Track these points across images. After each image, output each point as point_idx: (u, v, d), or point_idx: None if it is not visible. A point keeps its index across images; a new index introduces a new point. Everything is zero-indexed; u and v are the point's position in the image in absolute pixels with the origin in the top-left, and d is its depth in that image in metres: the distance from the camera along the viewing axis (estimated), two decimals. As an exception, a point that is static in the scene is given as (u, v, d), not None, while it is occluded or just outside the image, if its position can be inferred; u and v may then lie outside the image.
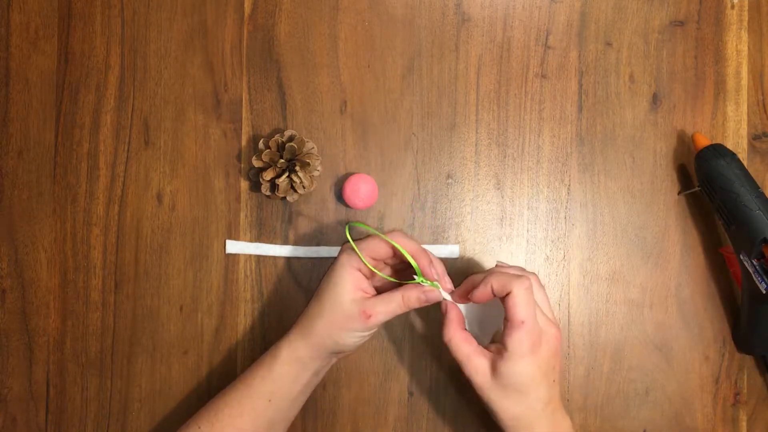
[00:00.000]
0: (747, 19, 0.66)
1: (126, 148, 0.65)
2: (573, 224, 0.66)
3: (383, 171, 0.65)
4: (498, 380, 0.52)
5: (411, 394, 0.65)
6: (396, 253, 0.55)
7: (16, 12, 0.66)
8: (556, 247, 0.65)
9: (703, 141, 0.62)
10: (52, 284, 0.65)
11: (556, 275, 0.65)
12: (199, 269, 0.65)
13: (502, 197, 0.66)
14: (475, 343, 0.54)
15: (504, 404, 0.52)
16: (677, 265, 0.65)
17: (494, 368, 0.52)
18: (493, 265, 0.58)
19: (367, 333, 0.56)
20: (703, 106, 0.66)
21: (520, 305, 0.51)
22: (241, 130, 0.65)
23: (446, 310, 0.55)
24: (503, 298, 0.52)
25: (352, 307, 0.54)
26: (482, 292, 0.53)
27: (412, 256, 0.55)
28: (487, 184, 0.66)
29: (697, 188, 0.63)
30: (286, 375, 0.56)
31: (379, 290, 0.57)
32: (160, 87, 0.66)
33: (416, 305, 0.55)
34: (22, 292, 0.65)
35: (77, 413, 0.65)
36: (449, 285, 0.56)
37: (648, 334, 0.65)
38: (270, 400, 0.56)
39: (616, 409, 0.65)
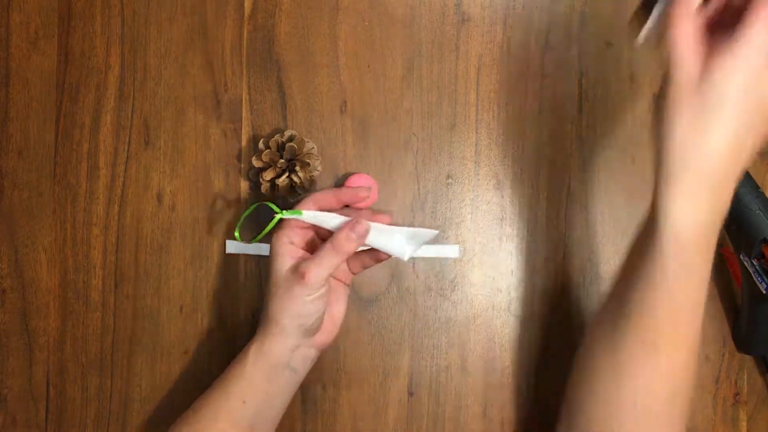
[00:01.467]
0: (747, 19, 0.66)
1: (126, 148, 0.65)
2: (573, 224, 0.66)
3: (383, 171, 0.65)
4: (701, 92, 0.41)
5: (411, 394, 0.65)
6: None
7: (16, 12, 0.66)
8: (556, 247, 0.65)
9: None
10: (52, 284, 0.65)
11: (556, 275, 0.65)
12: (199, 269, 0.65)
13: (502, 197, 0.66)
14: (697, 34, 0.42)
15: (688, 133, 0.42)
16: (677, 265, 0.65)
17: (703, 75, 0.41)
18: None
19: (314, 295, 0.53)
20: (703, 106, 0.66)
21: None
22: (241, 130, 0.65)
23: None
24: None
25: (291, 275, 0.53)
26: None
27: (338, 201, 0.55)
28: (487, 184, 0.66)
29: None
30: (256, 374, 0.55)
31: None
32: (160, 87, 0.66)
33: (350, 247, 0.53)
34: (22, 292, 0.65)
35: (77, 413, 0.65)
36: (385, 218, 0.55)
37: (648, 334, 0.65)
38: (245, 402, 0.55)
39: (616, 409, 0.65)
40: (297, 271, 0.53)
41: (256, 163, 0.61)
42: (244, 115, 0.66)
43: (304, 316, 0.54)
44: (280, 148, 0.61)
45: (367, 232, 0.54)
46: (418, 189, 0.65)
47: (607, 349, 0.49)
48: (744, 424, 0.65)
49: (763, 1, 0.40)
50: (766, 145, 0.45)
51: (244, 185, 0.65)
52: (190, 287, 0.65)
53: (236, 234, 0.58)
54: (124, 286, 0.65)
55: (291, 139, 0.62)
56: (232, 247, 0.65)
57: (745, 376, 0.65)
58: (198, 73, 0.66)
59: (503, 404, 0.65)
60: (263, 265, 0.65)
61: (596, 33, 0.66)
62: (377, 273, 0.65)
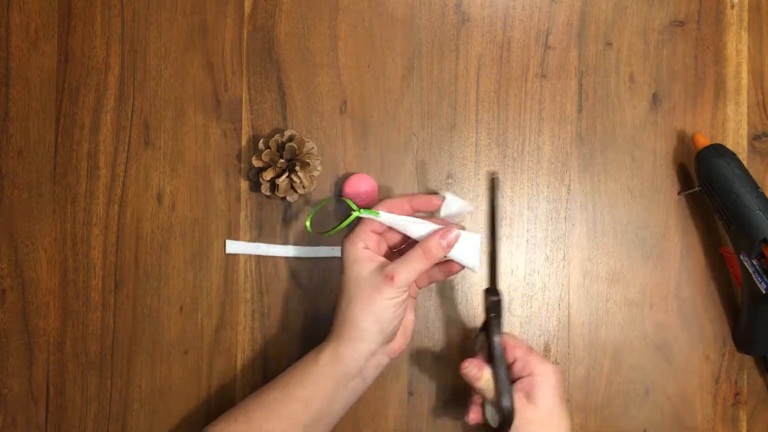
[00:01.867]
0: (747, 19, 0.66)
1: (126, 148, 0.65)
2: (573, 224, 0.66)
3: (383, 171, 0.65)
4: (539, 411, 0.53)
5: (411, 394, 0.65)
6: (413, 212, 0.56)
7: (16, 12, 0.66)
8: (556, 247, 0.65)
9: (703, 141, 0.62)
10: (52, 284, 0.65)
11: (556, 275, 0.65)
12: (199, 269, 0.65)
13: (502, 197, 0.66)
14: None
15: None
16: (677, 265, 0.65)
17: (530, 398, 0.54)
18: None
19: (400, 298, 0.53)
20: (703, 106, 0.66)
21: (518, 342, 0.55)
22: (241, 130, 0.65)
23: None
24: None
25: (374, 278, 0.53)
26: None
27: (409, 212, 0.55)
28: (487, 184, 0.66)
29: (697, 188, 0.63)
30: (324, 380, 0.54)
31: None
32: (160, 87, 0.66)
33: (440, 253, 0.54)
34: (22, 292, 0.65)
35: (77, 413, 0.65)
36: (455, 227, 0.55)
37: (648, 334, 0.65)
38: (306, 405, 0.54)
39: (616, 409, 0.65)
40: (382, 274, 0.53)
41: (256, 163, 0.61)
42: (244, 115, 0.66)
43: (387, 320, 0.54)
44: (280, 148, 0.61)
45: (456, 240, 0.54)
46: (418, 189, 0.65)
47: None
48: (744, 424, 0.65)
49: (527, 352, 0.55)
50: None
51: (244, 185, 0.65)
52: (190, 287, 0.65)
53: (307, 225, 0.57)
54: (124, 286, 0.65)
55: (291, 139, 0.62)
56: (232, 247, 0.65)
57: (745, 376, 0.65)
58: (198, 73, 0.66)
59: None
60: (263, 264, 0.65)
61: (596, 33, 0.66)
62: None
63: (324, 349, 0.55)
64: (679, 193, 0.65)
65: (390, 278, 0.52)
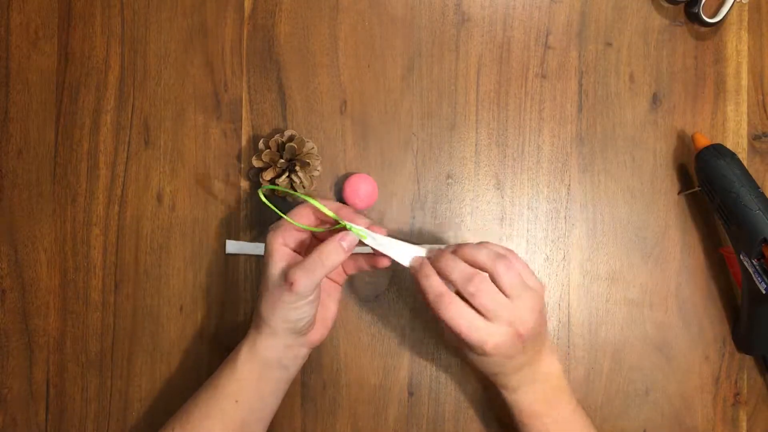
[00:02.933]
0: (747, 19, 0.66)
1: (126, 148, 0.65)
2: (573, 224, 0.66)
3: (383, 171, 0.65)
4: (467, 357, 0.54)
5: (411, 394, 0.65)
6: (323, 222, 0.57)
7: (16, 12, 0.66)
8: (556, 247, 0.65)
9: (703, 141, 0.62)
10: (52, 284, 0.65)
11: (556, 275, 0.65)
12: (199, 269, 0.65)
13: (502, 197, 0.66)
14: (467, 316, 0.52)
15: (474, 365, 0.55)
16: (677, 265, 0.65)
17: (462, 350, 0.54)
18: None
19: (302, 302, 0.53)
20: (703, 106, 0.66)
21: (484, 306, 0.51)
22: (241, 130, 0.65)
23: (424, 284, 0.53)
24: None
25: (280, 281, 0.53)
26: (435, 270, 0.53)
27: (335, 213, 0.55)
28: (487, 184, 0.66)
29: (697, 188, 0.63)
30: (249, 373, 0.56)
31: None
32: (160, 87, 0.66)
33: (336, 257, 0.53)
34: (22, 292, 0.65)
35: (77, 413, 0.65)
36: (381, 230, 0.55)
37: (648, 334, 0.65)
38: (237, 401, 0.55)
39: (616, 409, 0.65)
40: (285, 278, 0.53)
41: (256, 163, 0.61)
42: (244, 115, 0.66)
43: (293, 320, 0.55)
44: (280, 148, 0.61)
45: (354, 244, 0.54)
46: (418, 189, 0.65)
47: None
48: (744, 424, 0.65)
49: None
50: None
51: (244, 185, 0.65)
52: (190, 287, 0.65)
53: (260, 193, 0.58)
54: (124, 286, 0.65)
55: (291, 139, 0.62)
56: (232, 247, 0.65)
57: (745, 376, 0.65)
58: (198, 73, 0.66)
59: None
60: (263, 265, 0.65)
61: (596, 33, 0.66)
62: (377, 273, 0.65)
63: (244, 344, 0.57)
64: (679, 193, 0.65)
65: (290, 284, 0.52)
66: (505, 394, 0.57)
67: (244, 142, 0.65)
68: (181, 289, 0.65)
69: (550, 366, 0.56)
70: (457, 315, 0.51)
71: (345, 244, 0.53)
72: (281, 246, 0.55)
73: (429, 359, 0.65)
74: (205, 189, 0.65)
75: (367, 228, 0.55)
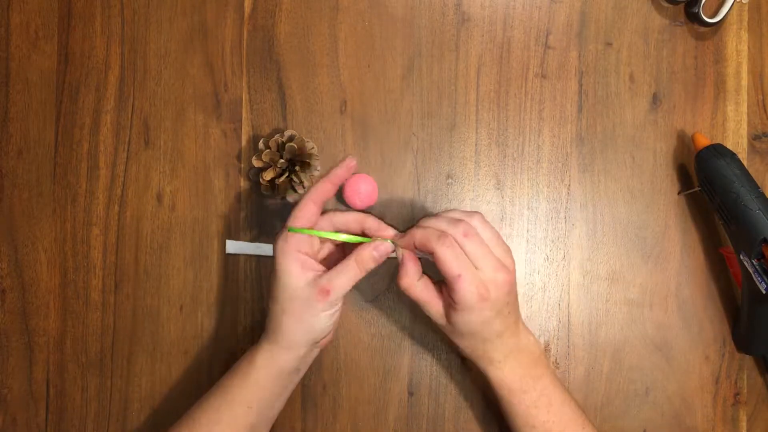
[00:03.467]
0: (747, 19, 0.66)
1: (126, 148, 0.65)
2: (573, 224, 0.66)
3: (383, 171, 0.65)
4: (453, 326, 0.54)
5: (411, 394, 0.65)
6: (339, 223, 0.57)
7: (16, 12, 0.66)
8: (556, 247, 0.65)
9: (703, 141, 0.62)
10: (52, 284, 0.65)
11: (556, 275, 0.65)
12: (199, 269, 0.65)
13: (502, 197, 0.66)
14: (432, 288, 0.55)
15: (462, 342, 0.56)
16: (677, 265, 0.65)
17: (447, 316, 0.54)
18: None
19: (333, 310, 0.54)
20: (703, 106, 0.66)
21: (446, 262, 0.51)
22: (241, 130, 0.65)
23: (403, 259, 0.54)
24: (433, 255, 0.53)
25: (309, 290, 0.53)
26: (407, 246, 0.54)
27: (358, 224, 0.56)
28: (487, 184, 0.66)
29: (697, 188, 0.63)
30: (264, 380, 0.56)
31: (329, 263, 0.56)
32: (160, 87, 0.66)
33: (372, 264, 0.54)
34: (22, 292, 0.65)
35: (77, 413, 0.65)
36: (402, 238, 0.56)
37: (648, 334, 0.65)
38: (250, 407, 0.55)
39: (616, 409, 0.65)
40: (316, 287, 0.53)
41: (256, 163, 0.61)
42: (244, 115, 0.66)
43: (319, 331, 0.55)
44: (280, 148, 0.61)
45: (388, 252, 0.55)
46: (418, 189, 0.65)
47: None
48: (744, 424, 0.65)
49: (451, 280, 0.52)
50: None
51: (244, 185, 0.65)
52: (190, 287, 0.65)
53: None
54: (124, 286, 0.65)
55: (291, 139, 0.62)
56: (232, 247, 0.65)
57: (745, 376, 0.65)
58: (198, 73, 0.66)
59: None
60: (263, 265, 0.65)
61: (596, 33, 0.66)
62: (377, 273, 0.65)
63: (260, 352, 0.56)
64: (679, 193, 0.65)
65: (325, 292, 0.53)
66: (492, 371, 0.56)
67: (244, 142, 0.65)
68: (181, 289, 0.65)
69: (528, 336, 0.57)
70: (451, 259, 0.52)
71: (377, 253, 0.54)
72: (296, 252, 0.54)
73: (429, 359, 0.65)
74: (205, 189, 0.65)
75: (393, 237, 0.56)
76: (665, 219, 0.65)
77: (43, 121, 0.66)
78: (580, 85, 0.66)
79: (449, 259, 0.51)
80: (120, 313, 0.65)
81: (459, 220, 0.53)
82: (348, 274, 0.53)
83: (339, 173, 0.57)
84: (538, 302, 0.65)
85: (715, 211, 0.61)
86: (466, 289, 0.52)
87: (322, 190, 0.56)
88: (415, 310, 0.65)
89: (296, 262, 0.54)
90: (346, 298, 0.64)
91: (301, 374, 0.59)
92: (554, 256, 0.65)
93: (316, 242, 0.57)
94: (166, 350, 0.65)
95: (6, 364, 0.65)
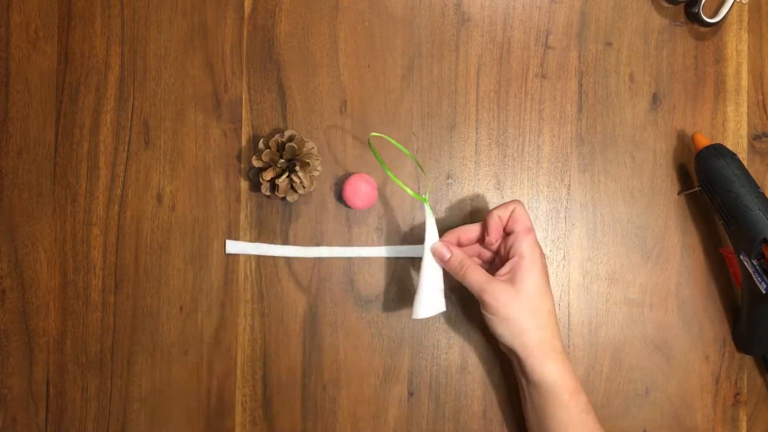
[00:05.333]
0: (747, 19, 0.66)
1: (126, 148, 0.65)
2: (573, 224, 0.66)
3: (383, 171, 0.65)
4: (519, 294, 0.55)
5: (411, 394, 0.65)
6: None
7: (16, 12, 0.66)
8: (556, 247, 0.65)
9: (703, 141, 0.62)
10: (52, 284, 0.65)
11: (556, 275, 0.65)
12: (199, 269, 0.65)
13: (502, 197, 0.66)
14: (484, 271, 0.57)
15: (528, 316, 0.55)
16: (677, 265, 0.65)
17: (513, 282, 0.56)
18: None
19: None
20: (703, 106, 0.66)
21: (524, 216, 0.57)
22: (241, 130, 0.65)
23: (449, 249, 0.58)
24: (506, 230, 0.58)
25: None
26: (494, 225, 0.58)
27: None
28: (487, 184, 0.66)
29: (697, 188, 0.63)
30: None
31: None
32: (160, 87, 0.66)
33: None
34: (22, 292, 0.65)
35: (77, 413, 0.65)
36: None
37: (648, 334, 0.65)
38: None
39: (616, 409, 0.65)
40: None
41: (256, 163, 0.61)
42: (244, 115, 0.66)
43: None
44: (280, 148, 0.61)
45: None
46: (418, 189, 0.65)
47: None
48: (744, 424, 0.65)
49: (524, 232, 0.57)
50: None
51: (244, 185, 0.65)
52: (190, 287, 0.65)
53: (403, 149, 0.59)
54: (124, 286, 0.65)
55: (291, 139, 0.62)
56: (232, 247, 0.65)
57: (745, 376, 0.65)
58: (198, 73, 0.66)
59: (503, 404, 0.65)
60: (263, 264, 0.65)
61: (596, 33, 0.66)
62: (377, 273, 0.65)
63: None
64: (679, 193, 0.65)
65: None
66: (551, 368, 0.56)
67: (244, 142, 0.65)
68: (181, 289, 0.65)
69: (565, 357, 0.58)
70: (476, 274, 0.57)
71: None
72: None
73: (429, 359, 0.65)
74: (205, 189, 0.65)
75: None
76: (665, 219, 0.65)
77: (43, 121, 0.66)
78: (580, 85, 0.66)
79: (526, 214, 0.58)
80: (120, 313, 0.65)
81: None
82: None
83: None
84: (538, 302, 0.65)
85: (715, 211, 0.61)
86: (535, 241, 0.57)
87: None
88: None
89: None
90: (346, 297, 0.65)
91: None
92: (554, 256, 0.65)
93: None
94: (166, 350, 0.65)
95: (6, 364, 0.65)
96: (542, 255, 0.57)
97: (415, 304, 0.58)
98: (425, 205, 0.59)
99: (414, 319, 0.63)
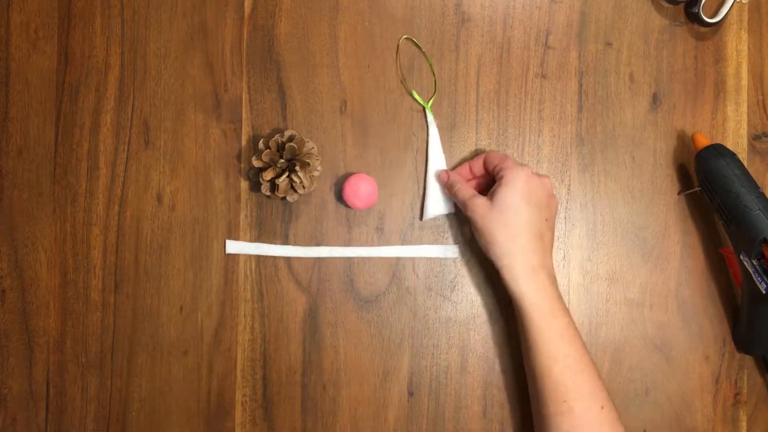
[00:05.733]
0: (747, 19, 0.66)
1: (126, 148, 0.65)
2: (573, 224, 0.66)
3: (383, 171, 0.65)
4: (495, 207, 0.58)
5: (411, 394, 0.65)
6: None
7: (16, 12, 0.66)
8: (556, 247, 0.65)
9: (703, 141, 0.62)
10: (52, 284, 0.65)
11: (556, 275, 0.65)
12: (199, 269, 0.65)
13: (502, 197, 0.66)
14: (471, 187, 0.62)
15: (503, 228, 0.58)
16: (677, 265, 0.65)
17: (492, 197, 0.59)
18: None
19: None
20: (703, 106, 0.66)
21: (496, 155, 0.62)
22: (241, 130, 0.65)
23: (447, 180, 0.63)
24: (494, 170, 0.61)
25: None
26: (466, 171, 0.64)
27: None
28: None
29: (697, 188, 0.63)
30: None
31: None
32: (160, 87, 0.66)
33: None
34: (22, 292, 0.65)
35: (77, 413, 0.65)
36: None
37: (648, 334, 0.65)
38: None
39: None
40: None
41: (256, 163, 0.61)
42: (244, 115, 0.66)
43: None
44: (280, 148, 0.61)
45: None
46: (418, 189, 0.65)
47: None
48: (744, 424, 0.65)
49: (507, 161, 0.60)
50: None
51: (244, 185, 0.65)
52: (190, 287, 0.65)
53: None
54: (124, 286, 0.65)
55: (291, 139, 0.62)
56: (232, 247, 0.65)
57: (745, 376, 0.65)
58: (198, 73, 0.66)
59: (503, 404, 0.65)
60: (263, 264, 0.65)
61: (596, 33, 0.66)
62: (377, 273, 0.65)
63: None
64: (679, 193, 0.65)
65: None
66: (526, 284, 0.57)
67: (244, 142, 0.65)
68: (181, 289, 0.65)
69: (551, 263, 0.60)
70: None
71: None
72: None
73: (429, 359, 0.65)
74: (205, 189, 0.65)
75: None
76: (665, 219, 0.65)
77: (43, 121, 0.66)
78: (580, 85, 0.66)
79: (499, 154, 0.62)
80: (120, 313, 0.65)
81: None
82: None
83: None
84: (538, 302, 0.65)
85: (715, 211, 0.61)
86: (514, 164, 0.60)
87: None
88: (415, 310, 0.65)
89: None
90: (346, 297, 0.65)
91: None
92: (554, 256, 0.65)
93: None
94: (166, 350, 0.65)
95: (6, 364, 0.65)
96: (527, 181, 0.58)
97: (422, 207, 0.65)
98: (427, 111, 0.64)
99: (414, 319, 0.63)
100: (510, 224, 0.58)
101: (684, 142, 0.66)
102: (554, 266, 0.65)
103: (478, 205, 0.59)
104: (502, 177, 0.59)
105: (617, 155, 0.66)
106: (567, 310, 0.58)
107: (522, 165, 0.60)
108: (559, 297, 0.58)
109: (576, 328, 0.58)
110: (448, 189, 0.63)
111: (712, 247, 0.65)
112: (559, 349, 0.56)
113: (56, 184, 0.65)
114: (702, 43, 0.66)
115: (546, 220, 0.59)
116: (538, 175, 0.60)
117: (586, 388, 0.56)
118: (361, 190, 0.63)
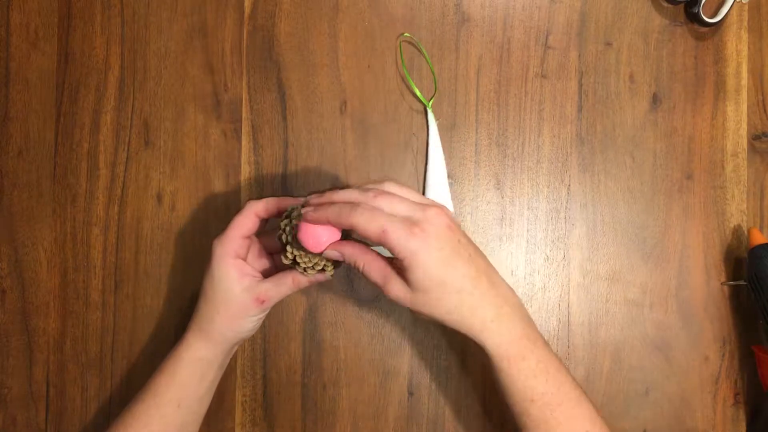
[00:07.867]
0: (747, 19, 0.66)
1: (126, 148, 0.65)
2: (573, 224, 0.66)
3: (383, 171, 0.65)
4: (416, 290, 0.50)
5: (411, 394, 0.65)
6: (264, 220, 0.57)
7: (16, 12, 0.66)
8: (556, 247, 0.65)
9: (759, 238, 0.61)
10: (52, 284, 0.65)
11: (556, 275, 0.65)
12: (199, 269, 0.65)
13: (502, 197, 0.66)
14: (385, 265, 0.51)
15: (438, 306, 0.50)
16: (677, 265, 0.65)
17: (408, 282, 0.50)
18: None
19: (262, 315, 0.58)
20: (703, 106, 0.66)
21: (366, 226, 0.49)
22: (241, 130, 0.65)
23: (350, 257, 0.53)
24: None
25: (245, 296, 0.55)
26: (318, 221, 0.51)
27: (277, 208, 0.57)
28: (487, 184, 0.66)
29: (742, 282, 0.63)
30: (190, 377, 0.57)
31: (260, 265, 0.58)
32: (160, 87, 0.66)
33: (306, 285, 0.56)
34: (22, 292, 0.65)
35: (77, 413, 0.65)
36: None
37: (648, 334, 0.65)
38: (179, 406, 0.57)
39: (616, 409, 0.65)
40: (252, 294, 0.55)
41: (285, 261, 0.55)
42: (244, 115, 0.66)
43: (247, 331, 0.58)
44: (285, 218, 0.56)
45: (321, 280, 0.56)
46: (418, 189, 0.65)
47: None
48: (744, 424, 0.65)
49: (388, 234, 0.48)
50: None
51: (244, 185, 0.65)
52: (190, 287, 0.65)
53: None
54: (124, 286, 0.65)
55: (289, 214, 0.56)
56: (232, 247, 0.64)
57: (745, 376, 0.65)
58: (198, 73, 0.66)
59: (503, 404, 0.65)
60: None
61: (596, 33, 0.66)
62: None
63: (185, 351, 0.57)
64: (722, 283, 0.65)
65: (261, 301, 0.55)
66: (487, 337, 0.51)
67: (244, 142, 0.65)
68: (181, 289, 0.65)
69: (509, 289, 0.53)
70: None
71: (314, 279, 0.56)
72: (234, 259, 0.56)
73: (429, 359, 0.65)
74: (205, 189, 0.65)
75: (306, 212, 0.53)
76: (665, 219, 0.66)
77: (43, 121, 0.66)
78: (580, 85, 0.66)
79: (366, 222, 0.48)
80: (120, 313, 0.65)
81: (368, 189, 0.51)
82: (283, 288, 0.56)
83: (289, 202, 0.57)
84: (538, 302, 0.65)
85: (758, 309, 0.61)
86: (398, 235, 0.48)
87: (263, 208, 0.57)
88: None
89: (234, 268, 0.56)
90: (346, 297, 0.64)
91: (222, 371, 0.60)
92: (554, 256, 0.65)
93: (255, 243, 0.58)
94: (166, 350, 0.65)
95: (6, 364, 0.65)
96: (428, 249, 0.48)
97: None
98: (428, 110, 0.64)
99: (414, 319, 0.63)
100: (443, 298, 0.50)
101: (684, 141, 0.66)
102: (553, 266, 0.65)
103: (399, 297, 0.51)
104: (401, 261, 0.49)
105: (617, 155, 0.66)
106: (536, 339, 0.52)
107: (403, 226, 0.48)
108: (524, 329, 0.52)
109: (550, 355, 0.53)
110: (352, 265, 0.52)
111: (712, 248, 0.65)
112: (534, 390, 0.52)
113: (56, 184, 0.65)
114: (702, 43, 0.66)
115: (469, 255, 0.51)
116: (424, 218, 0.49)
117: (568, 418, 0.53)
118: (323, 239, 0.53)
